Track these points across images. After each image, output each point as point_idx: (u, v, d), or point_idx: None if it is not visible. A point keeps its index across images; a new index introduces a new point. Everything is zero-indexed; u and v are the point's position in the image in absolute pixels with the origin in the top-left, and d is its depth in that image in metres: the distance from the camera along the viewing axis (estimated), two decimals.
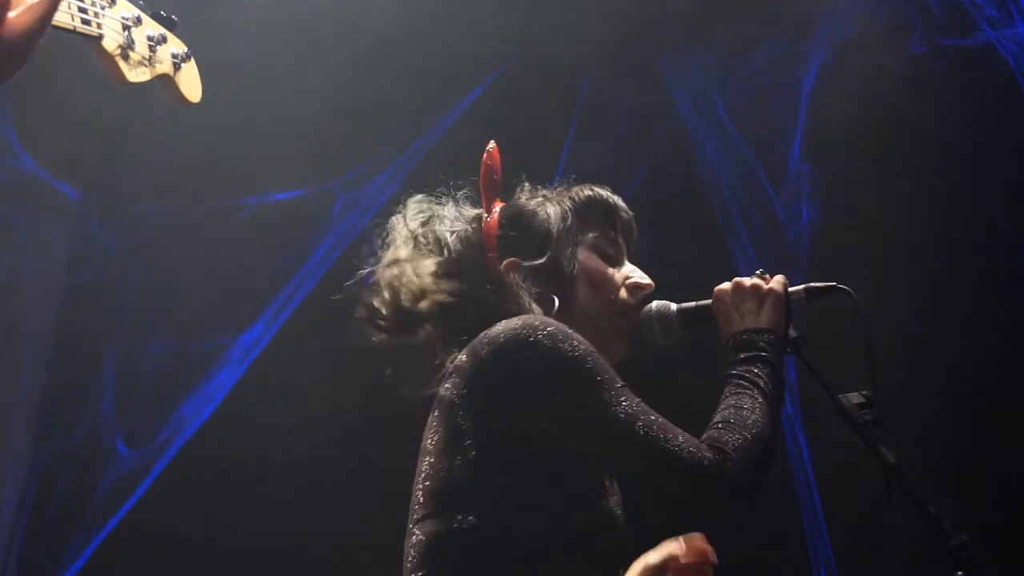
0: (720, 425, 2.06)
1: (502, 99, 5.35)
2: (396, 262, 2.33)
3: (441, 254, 2.31)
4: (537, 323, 2.08)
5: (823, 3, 5.31)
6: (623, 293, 2.35)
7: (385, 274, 2.34)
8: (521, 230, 2.33)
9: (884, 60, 5.20)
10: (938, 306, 4.89)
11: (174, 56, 2.14)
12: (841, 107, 5.19)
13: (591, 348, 2.08)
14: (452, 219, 2.39)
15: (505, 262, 2.28)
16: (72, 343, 5.26)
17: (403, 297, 2.29)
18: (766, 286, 2.29)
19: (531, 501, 2.01)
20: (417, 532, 2.05)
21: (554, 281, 2.28)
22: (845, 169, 5.18)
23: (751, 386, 2.15)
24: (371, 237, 2.48)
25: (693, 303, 2.38)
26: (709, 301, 2.34)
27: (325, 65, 5.14)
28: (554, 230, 2.32)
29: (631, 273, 2.38)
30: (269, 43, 5.10)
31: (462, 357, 2.12)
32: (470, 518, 1.99)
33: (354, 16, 5.13)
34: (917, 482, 2.11)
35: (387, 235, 2.42)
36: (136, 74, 2.04)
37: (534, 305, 2.22)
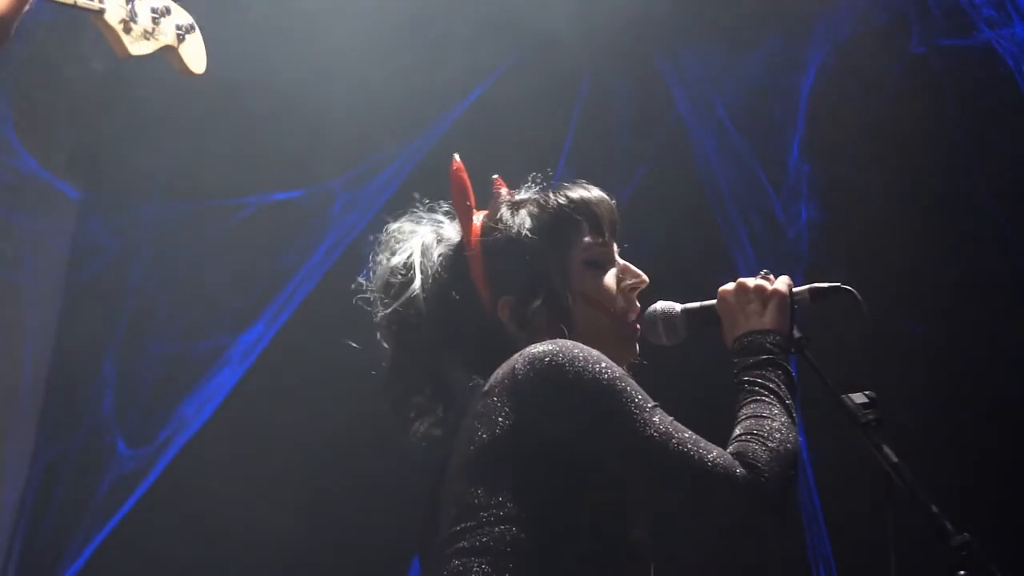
0: (746, 438, 2.06)
1: (502, 99, 5.35)
2: (391, 299, 2.31)
3: (430, 292, 2.28)
4: (568, 345, 2.07)
5: (823, 3, 5.32)
6: (620, 301, 2.32)
7: (383, 313, 2.32)
8: (507, 264, 2.27)
9: (883, 60, 5.21)
10: (938, 306, 4.90)
11: (178, 28, 2.12)
12: (841, 107, 5.20)
13: (621, 370, 2.08)
14: (433, 246, 2.34)
15: (500, 302, 2.26)
16: (73, 343, 5.26)
17: (404, 339, 2.29)
18: (770, 287, 2.28)
19: (573, 527, 2.02)
20: (450, 552, 2.04)
21: (555, 312, 2.25)
22: (844, 169, 5.18)
23: (768, 393, 2.14)
24: (365, 255, 2.46)
25: (698, 303, 2.37)
26: (714, 301, 2.34)
27: (325, 65, 5.15)
28: (539, 255, 2.27)
29: (623, 275, 2.35)
30: (269, 44, 5.10)
31: (491, 381, 2.11)
32: (517, 543, 1.99)
33: (354, 17, 5.13)
34: (919, 481, 2.12)
35: (373, 268, 2.39)
36: (139, 47, 2.03)
37: (523, 340, 2.20)
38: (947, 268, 4.92)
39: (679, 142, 5.47)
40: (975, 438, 4.77)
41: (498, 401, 2.07)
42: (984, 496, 4.60)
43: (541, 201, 2.34)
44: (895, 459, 2.13)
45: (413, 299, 2.27)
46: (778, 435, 2.06)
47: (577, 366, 2.03)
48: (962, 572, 2.02)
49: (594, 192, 2.37)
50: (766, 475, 2.00)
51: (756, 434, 2.06)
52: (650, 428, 2.00)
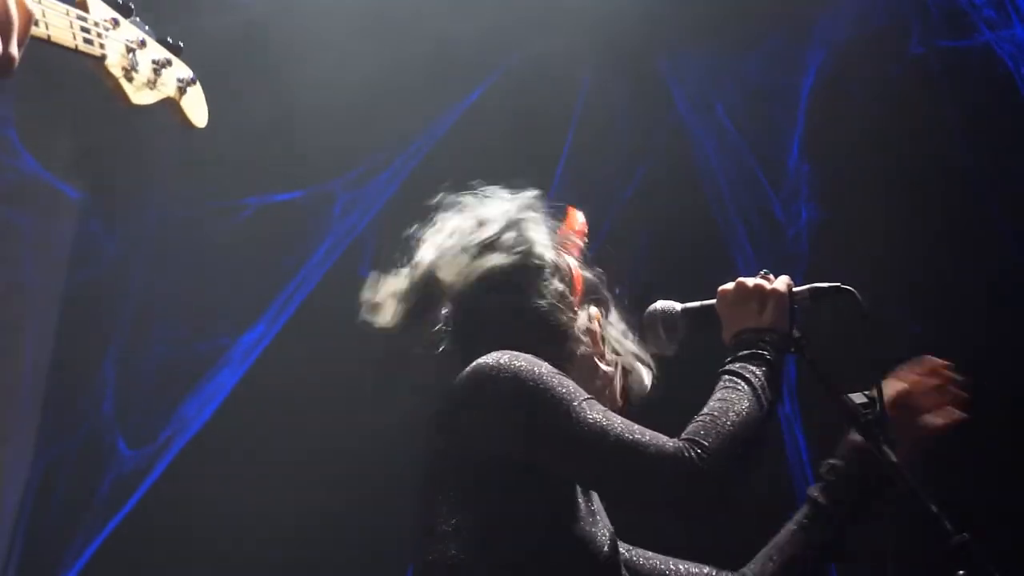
0: (699, 419, 2.07)
1: (502, 100, 5.36)
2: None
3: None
4: (508, 354, 2.12)
5: (822, 4, 5.32)
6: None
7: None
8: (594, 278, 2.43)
9: (883, 61, 5.22)
10: (937, 306, 4.90)
11: (179, 80, 2.15)
12: (840, 108, 5.20)
13: (555, 370, 2.12)
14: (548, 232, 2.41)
15: (595, 312, 2.38)
16: (74, 343, 5.27)
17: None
18: (769, 286, 2.29)
19: (517, 528, 2.05)
20: (419, 561, 2.11)
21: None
22: (844, 169, 5.18)
23: (740, 381, 2.15)
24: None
25: (697, 303, 2.38)
26: (713, 301, 2.35)
27: (325, 66, 5.15)
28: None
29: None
30: (270, 45, 5.11)
31: (449, 392, 2.18)
32: (457, 546, 2.04)
33: (354, 17, 5.14)
34: (918, 481, 2.12)
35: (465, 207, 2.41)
36: (141, 96, 2.05)
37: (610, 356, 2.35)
38: (946, 268, 4.92)
39: (679, 143, 5.47)
40: (975, 438, 4.76)
41: (449, 413, 2.15)
42: (984, 496, 4.61)
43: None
44: (894, 458, 2.14)
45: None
46: (735, 417, 2.07)
47: (511, 370, 2.08)
48: (961, 572, 2.03)
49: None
50: (704, 453, 1.99)
51: (711, 416, 2.07)
52: (583, 417, 2.03)
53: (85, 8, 1.93)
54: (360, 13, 5.14)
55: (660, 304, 2.38)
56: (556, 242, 2.39)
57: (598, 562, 2.12)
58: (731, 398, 2.10)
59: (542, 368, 2.09)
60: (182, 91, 2.16)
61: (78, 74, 4.95)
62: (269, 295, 5.39)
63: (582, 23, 5.21)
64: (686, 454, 1.98)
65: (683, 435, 2.03)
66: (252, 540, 5.01)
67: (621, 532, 2.27)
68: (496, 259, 2.30)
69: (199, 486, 5.04)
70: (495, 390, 2.07)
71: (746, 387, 2.13)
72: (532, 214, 2.39)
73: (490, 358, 2.11)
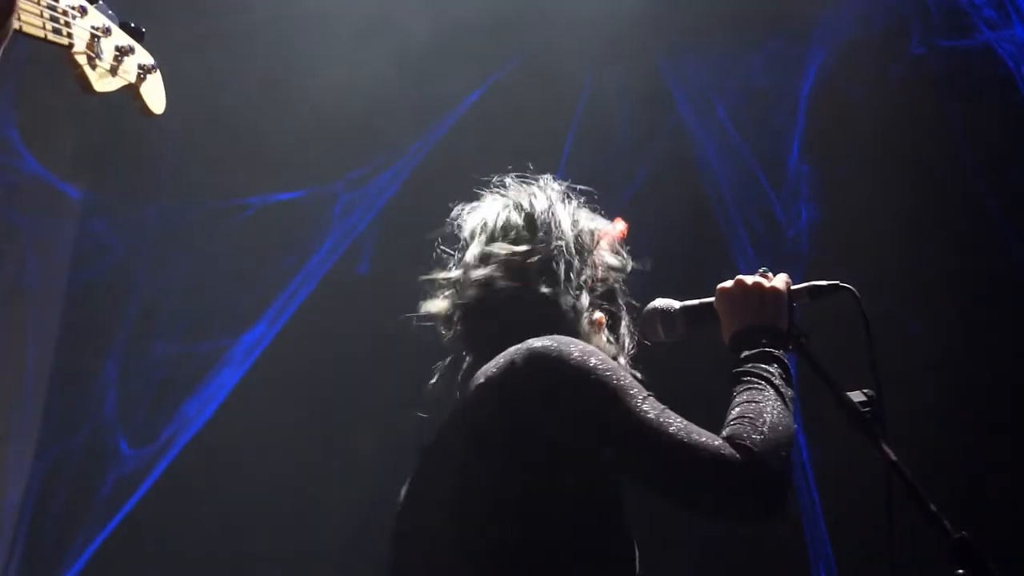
0: (737, 421, 2.07)
1: (503, 100, 5.37)
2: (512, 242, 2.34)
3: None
4: (565, 340, 2.11)
5: (823, 5, 5.33)
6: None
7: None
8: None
9: (883, 61, 5.23)
10: (937, 306, 4.91)
11: (140, 67, 2.14)
12: (841, 108, 5.22)
13: (615, 362, 2.12)
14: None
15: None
16: (76, 343, 5.28)
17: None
18: (768, 284, 2.30)
19: (566, 515, 2.04)
20: (445, 540, 2.07)
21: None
22: (844, 170, 5.19)
23: (762, 381, 2.15)
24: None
25: (696, 301, 2.38)
26: (712, 299, 2.35)
27: (326, 67, 5.16)
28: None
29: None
30: (271, 46, 5.12)
31: (490, 372, 2.13)
32: (509, 530, 2.02)
33: (355, 19, 5.15)
34: (917, 480, 2.13)
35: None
36: (103, 84, 2.05)
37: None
38: (946, 267, 4.93)
39: (680, 143, 5.48)
40: (974, 437, 4.78)
41: (494, 392, 2.09)
42: (983, 494, 4.62)
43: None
44: (894, 457, 2.14)
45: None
46: (770, 419, 2.07)
47: (575, 358, 2.05)
48: (961, 571, 2.03)
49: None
50: (757, 457, 2.00)
51: (748, 418, 2.07)
52: (646, 416, 2.02)
53: None
54: (362, 15, 5.15)
55: (659, 302, 2.38)
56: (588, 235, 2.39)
57: (631, 564, 2.14)
58: (760, 400, 2.11)
59: (602, 357, 2.09)
60: (142, 78, 2.15)
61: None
62: (270, 295, 5.40)
63: (583, 25, 5.21)
64: (740, 458, 1.99)
65: (727, 437, 2.03)
66: (253, 539, 5.02)
67: None
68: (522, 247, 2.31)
69: (200, 485, 5.05)
70: (557, 376, 2.05)
71: (770, 388, 2.14)
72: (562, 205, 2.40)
73: (548, 343, 2.09)
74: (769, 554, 4.62)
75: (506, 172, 2.48)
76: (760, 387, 2.14)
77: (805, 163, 5.35)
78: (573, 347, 2.08)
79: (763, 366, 2.18)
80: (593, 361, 2.06)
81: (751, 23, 5.35)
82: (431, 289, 2.37)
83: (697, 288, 2.45)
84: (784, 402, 2.14)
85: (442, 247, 2.42)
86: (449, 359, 2.36)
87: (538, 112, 5.26)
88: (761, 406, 2.10)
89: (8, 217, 5.19)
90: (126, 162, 5.24)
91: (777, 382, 2.16)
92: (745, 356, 2.21)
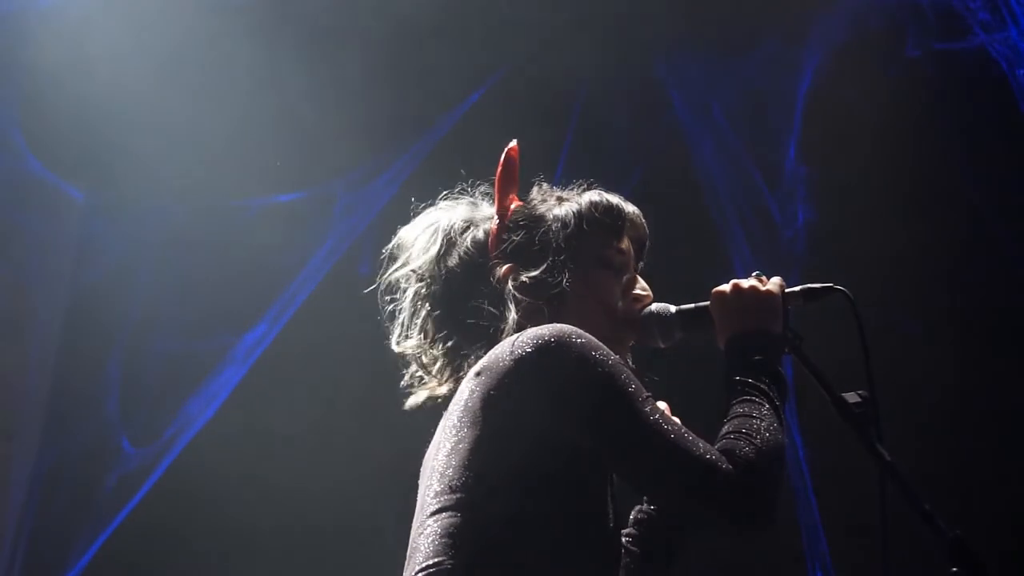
0: (733, 435, 2.06)
1: (501, 101, 5.38)
2: (409, 268, 2.36)
3: (449, 257, 2.34)
4: (569, 331, 2.09)
5: (819, 7, 5.35)
6: (621, 303, 2.34)
7: (406, 285, 2.37)
8: (524, 235, 2.32)
9: (879, 63, 5.24)
10: (933, 307, 4.93)
11: None
12: (837, 110, 5.23)
13: (617, 357, 2.10)
14: (463, 222, 2.39)
15: (503, 268, 2.29)
16: (78, 343, 5.29)
17: (416, 302, 2.34)
18: (763, 288, 2.29)
19: (557, 503, 2.04)
20: (432, 524, 2.05)
21: (547, 291, 2.27)
22: (840, 171, 5.21)
23: (758, 394, 2.15)
24: (376, 245, 2.48)
25: (692, 305, 2.38)
26: (707, 303, 2.35)
27: (327, 68, 5.18)
28: (554, 238, 2.32)
29: (631, 281, 2.38)
30: (272, 47, 5.13)
31: (485, 361, 2.13)
32: (498, 513, 2.01)
33: (356, 20, 5.16)
34: (912, 480, 2.14)
35: (399, 245, 2.41)
36: None
37: (513, 314, 2.23)
38: (941, 268, 4.95)
39: (676, 144, 5.50)
40: (971, 437, 4.80)
41: (493, 380, 2.08)
42: (980, 494, 4.64)
43: (576, 194, 2.42)
44: (888, 458, 2.16)
45: (432, 259, 2.33)
46: (765, 433, 2.07)
47: (578, 350, 2.05)
48: (956, 569, 2.04)
49: (630, 207, 2.43)
50: (752, 471, 2.01)
51: (743, 432, 2.07)
52: (644, 418, 2.03)
53: None
54: (362, 16, 5.16)
55: (654, 306, 2.37)
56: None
57: (614, 561, 2.16)
58: (755, 414, 2.10)
59: (604, 351, 2.08)
60: None
61: (82, 75, 4.98)
62: (271, 295, 5.41)
63: (581, 26, 5.23)
64: (732, 471, 1.99)
65: (722, 450, 2.04)
66: (255, 538, 5.03)
67: None
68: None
69: (203, 484, 5.06)
70: (559, 366, 2.04)
71: (765, 401, 2.14)
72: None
73: (552, 330, 2.09)
74: (765, 554, 4.63)
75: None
76: (755, 399, 2.14)
77: (802, 164, 5.37)
78: (576, 337, 2.07)
79: (758, 376, 2.17)
80: (597, 354, 2.06)
81: (748, 25, 5.37)
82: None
83: (693, 290, 2.46)
84: (777, 415, 2.13)
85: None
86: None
87: (536, 113, 5.27)
88: (757, 422, 2.08)
89: (11, 218, 5.21)
90: (128, 163, 5.25)
91: (772, 394, 2.15)
92: (740, 364, 2.20)
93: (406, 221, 2.46)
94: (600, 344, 2.09)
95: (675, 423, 2.07)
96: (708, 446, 2.04)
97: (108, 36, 4.98)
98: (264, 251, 5.32)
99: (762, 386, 2.15)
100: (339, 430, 5.07)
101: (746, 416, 2.10)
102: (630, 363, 2.34)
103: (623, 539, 2.38)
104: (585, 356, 2.05)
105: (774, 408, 2.14)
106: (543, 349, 2.06)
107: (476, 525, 2.02)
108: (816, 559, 4.97)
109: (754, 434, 2.06)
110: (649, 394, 2.09)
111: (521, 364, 2.07)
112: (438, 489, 2.08)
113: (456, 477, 2.06)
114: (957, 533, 2.07)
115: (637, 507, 2.44)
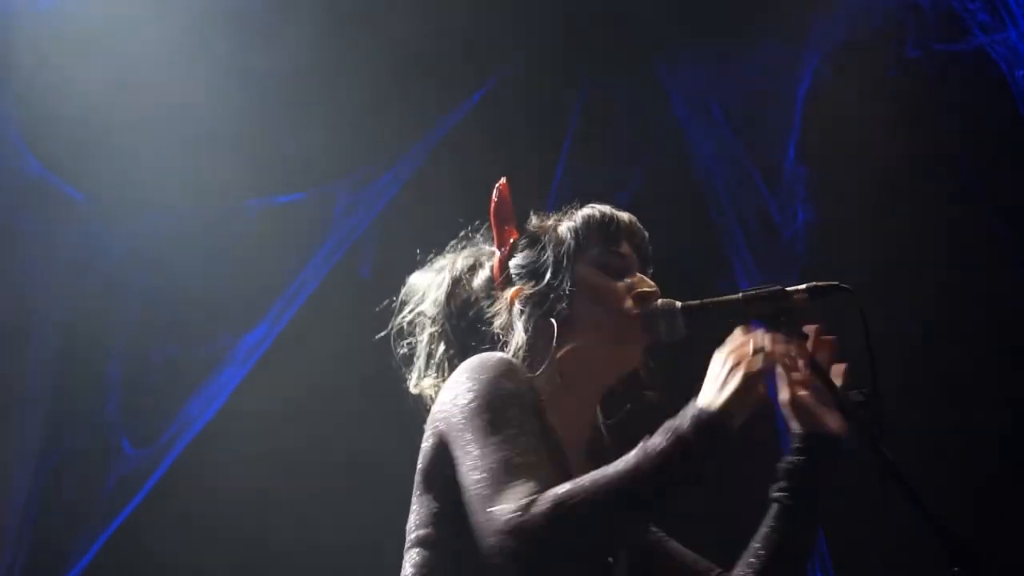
0: (569, 484, 1.91)
1: (502, 102, 5.39)
2: (420, 310, 2.43)
3: (458, 296, 2.41)
4: (486, 357, 2.13)
5: (818, 7, 5.35)
6: (627, 303, 2.32)
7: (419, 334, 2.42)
8: (525, 259, 2.37)
9: (878, 64, 5.25)
10: (933, 307, 4.93)
11: None
12: (836, 110, 5.24)
13: (514, 389, 2.07)
14: (468, 262, 2.46)
15: (510, 292, 2.34)
16: (78, 344, 5.29)
17: (431, 345, 2.40)
18: (737, 363, 2.05)
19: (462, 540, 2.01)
20: (407, 557, 2.13)
21: (552, 304, 2.29)
22: (840, 171, 5.22)
23: (639, 453, 1.94)
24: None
25: (697, 301, 2.38)
26: (713, 299, 2.35)
27: (327, 68, 5.18)
28: (554, 253, 2.35)
29: (637, 282, 2.36)
30: (272, 47, 5.14)
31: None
32: (460, 550, 2.02)
33: (356, 20, 5.17)
34: (914, 480, 2.14)
35: (409, 291, 2.47)
36: None
37: (521, 334, 2.26)
38: (942, 269, 4.96)
39: (676, 145, 5.51)
40: (971, 437, 4.80)
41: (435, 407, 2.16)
42: (979, 494, 4.64)
43: (571, 214, 2.44)
44: (890, 457, 2.16)
45: (442, 300, 2.40)
46: (593, 491, 1.89)
47: (471, 377, 2.08)
48: (957, 569, 2.04)
49: (615, 212, 2.45)
50: (536, 516, 1.87)
51: (583, 481, 1.91)
52: (481, 454, 1.98)
53: None
54: (362, 17, 5.17)
55: (660, 302, 2.38)
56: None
57: None
58: (613, 468, 1.92)
59: (486, 378, 2.07)
60: None
61: (82, 75, 4.98)
62: (271, 296, 5.42)
63: (580, 26, 5.24)
64: (520, 512, 1.88)
65: (535, 498, 1.89)
66: (255, 539, 5.03)
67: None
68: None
69: (203, 485, 5.06)
70: (442, 400, 2.11)
71: (640, 462, 1.92)
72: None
73: (476, 358, 2.14)
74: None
75: (489, 177, 2.52)
76: (633, 456, 1.93)
77: (801, 164, 5.38)
78: (485, 364, 2.11)
79: (659, 440, 1.93)
80: (483, 382, 2.06)
81: (748, 25, 5.38)
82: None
83: (693, 289, 2.46)
84: (641, 483, 1.90)
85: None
86: None
87: (536, 113, 5.28)
88: (601, 476, 1.91)
89: (10, 219, 5.21)
90: (128, 164, 5.25)
91: (659, 460, 1.90)
92: (663, 426, 1.98)
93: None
94: (510, 372, 2.09)
95: (514, 468, 1.95)
96: (524, 486, 1.92)
97: (108, 36, 4.98)
98: (264, 252, 5.33)
99: (651, 448, 1.93)
100: (340, 431, 5.07)
101: (608, 466, 1.94)
102: (649, 363, 2.36)
103: (777, 493, 2.30)
104: (476, 381, 2.07)
105: (639, 473, 1.91)
106: (444, 386, 2.14)
107: (441, 560, 2.08)
108: (816, 559, 4.98)
109: (586, 485, 1.90)
110: (518, 431, 2.00)
111: (442, 393, 2.14)
112: (411, 524, 2.14)
113: (419, 512, 2.12)
114: (959, 534, 2.07)
115: (784, 459, 2.33)
